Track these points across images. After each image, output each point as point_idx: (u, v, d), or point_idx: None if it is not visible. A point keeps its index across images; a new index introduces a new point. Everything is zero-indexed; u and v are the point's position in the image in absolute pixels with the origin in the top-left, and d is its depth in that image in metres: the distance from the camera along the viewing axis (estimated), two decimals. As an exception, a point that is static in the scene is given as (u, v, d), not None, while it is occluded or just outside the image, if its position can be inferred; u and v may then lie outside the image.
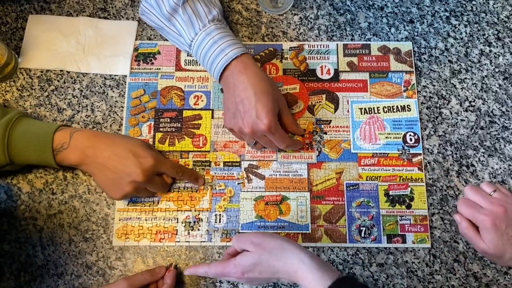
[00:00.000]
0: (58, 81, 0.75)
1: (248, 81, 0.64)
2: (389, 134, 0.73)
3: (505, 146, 0.72)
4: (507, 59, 0.77)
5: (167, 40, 0.77)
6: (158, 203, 0.69)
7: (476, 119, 0.74)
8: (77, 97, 0.75)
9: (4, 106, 0.73)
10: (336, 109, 0.74)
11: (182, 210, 0.69)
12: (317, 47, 0.77)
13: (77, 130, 0.65)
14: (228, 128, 0.69)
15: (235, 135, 0.70)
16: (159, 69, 0.76)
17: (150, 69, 0.76)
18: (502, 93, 0.75)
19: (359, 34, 0.78)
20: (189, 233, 0.68)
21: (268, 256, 0.56)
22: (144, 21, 0.75)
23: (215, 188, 0.70)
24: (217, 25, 0.68)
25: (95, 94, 0.75)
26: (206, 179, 0.71)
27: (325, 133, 0.73)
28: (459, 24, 0.79)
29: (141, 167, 0.63)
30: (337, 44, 0.77)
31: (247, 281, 0.60)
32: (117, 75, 0.76)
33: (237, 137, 0.71)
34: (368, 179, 0.71)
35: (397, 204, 0.69)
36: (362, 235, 0.68)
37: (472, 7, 0.80)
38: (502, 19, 0.79)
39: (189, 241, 0.68)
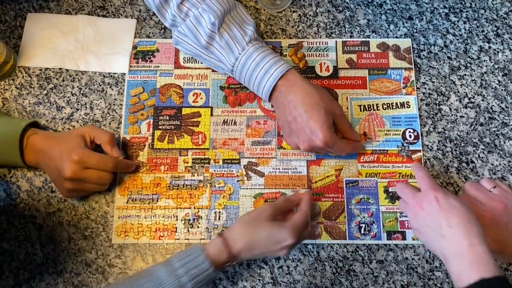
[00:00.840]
0: (57, 79, 0.75)
1: (297, 98, 0.64)
2: (388, 131, 0.73)
3: (504, 142, 0.72)
4: (507, 56, 0.77)
5: (166, 38, 0.77)
6: (157, 200, 0.69)
7: (476, 116, 0.74)
8: (76, 95, 0.75)
9: (3, 105, 0.73)
10: (335, 106, 0.74)
11: (181, 208, 0.69)
12: (316, 44, 0.77)
13: (33, 132, 0.67)
14: (288, 143, 0.70)
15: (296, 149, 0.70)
16: (158, 66, 0.76)
17: (149, 67, 0.76)
18: (502, 90, 0.75)
19: (358, 31, 0.78)
20: (188, 230, 0.68)
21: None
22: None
23: (215, 186, 0.70)
24: (256, 45, 0.67)
25: (94, 92, 0.75)
26: (205, 176, 0.70)
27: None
28: (458, 21, 0.79)
29: (68, 163, 0.63)
30: (336, 41, 0.77)
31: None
32: (116, 73, 0.76)
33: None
34: (367, 176, 0.70)
35: (396, 200, 0.69)
36: (362, 232, 0.68)
37: (471, 3, 0.80)
38: (501, 15, 0.79)
39: (188, 239, 0.68)
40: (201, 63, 0.75)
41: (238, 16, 0.69)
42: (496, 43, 0.77)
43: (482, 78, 0.76)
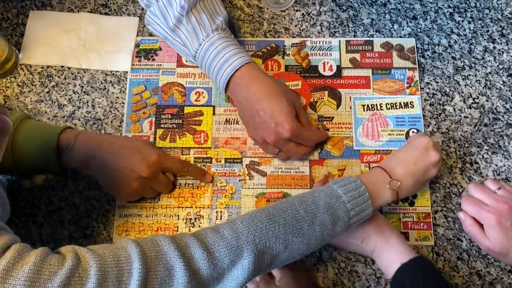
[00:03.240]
0: (58, 77, 0.75)
1: (258, 91, 0.64)
2: (392, 131, 0.72)
3: (509, 143, 0.72)
4: (511, 56, 0.76)
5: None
6: (159, 199, 0.69)
7: (480, 116, 0.73)
8: (77, 93, 0.74)
9: (5, 103, 0.73)
10: (338, 106, 0.74)
11: (183, 207, 0.69)
12: (320, 43, 0.77)
13: (81, 132, 0.65)
14: (252, 138, 0.69)
15: (259, 145, 0.70)
16: (160, 65, 0.76)
17: (151, 65, 0.76)
18: (506, 90, 0.74)
19: (361, 31, 0.78)
20: (190, 230, 0.68)
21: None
22: (151, 31, 0.73)
23: (216, 185, 0.70)
24: (221, 34, 0.66)
25: (96, 90, 0.74)
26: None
27: (328, 129, 0.72)
28: (462, 21, 0.78)
29: (146, 163, 0.62)
30: (339, 41, 0.77)
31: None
32: (118, 71, 0.75)
33: (262, 148, 0.70)
34: (370, 176, 0.70)
35: (399, 201, 0.69)
36: (365, 232, 0.67)
37: (475, 3, 0.79)
38: (506, 15, 0.79)
39: (190, 238, 0.67)
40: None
41: (211, 5, 0.68)
42: (501, 43, 0.77)
43: (487, 78, 0.75)
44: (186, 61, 0.76)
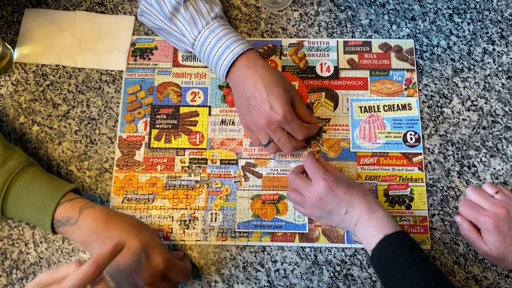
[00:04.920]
0: (53, 76, 0.74)
1: (257, 74, 0.64)
2: (389, 133, 0.71)
3: (507, 146, 0.71)
4: (511, 58, 0.75)
5: (164, 36, 0.76)
6: (153, 200, 0.68)
7: (478, 119, 0.72)
8: (72, 92, 0.73)
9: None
10: (335, 107, 0.73)
11: (177, 208, 0.68)
12: (317, 44, 0.76)
13: (88, 205, 0.58)
14: (245, 125, 0.68)
15: (250, 135, 0.68)
16: (156, 64, 0.75)
17: (147, 64, 0.75)
18: (505, 93, 0.74)
19: (360, 31, 0.77)
20: (184, 231, 0.67)
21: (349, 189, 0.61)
22: (143, 22, 0.72)
23: (211, 186, 0.69)
24: (220, 22, 0.67)
25: (91, 89, 0.74)
26: (202, 177, 0.69)
27: (324, 131, 0.72)
28: (462, 22, 0.78)
29: (149, 271, 0.55)
30: (337, 41, 0.76)
31: (318, 209, 0.62)
32: (113, 71, 0.75)
33: (252, 139, 0.69)
34: (367, 178, 0.69)
35: (396, 204, 0.68)
36: (361, 235, 0.67)
37: (475, 4, 0.79)
38: (506, 17, 0.78)
39: (184, 240, 0.67)
40: (199, 61, 0.74)
41: None
42: (501, 45, 0.76)
43: (486, 80, 0.74)
44: (182, 60, 0.75)
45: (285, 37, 0.77)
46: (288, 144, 0.65)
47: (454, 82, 0.74)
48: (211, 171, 0.70)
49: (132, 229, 0.58)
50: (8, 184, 0.57)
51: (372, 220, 0.60)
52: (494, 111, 0.73)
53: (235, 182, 0.69)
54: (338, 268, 0.66)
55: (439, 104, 0.73)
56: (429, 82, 0.74)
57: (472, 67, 0.75)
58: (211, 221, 0.67)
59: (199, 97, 0.73)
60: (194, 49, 0.68)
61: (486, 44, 0.76)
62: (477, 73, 0.75)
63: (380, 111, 0.72)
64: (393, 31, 0.77)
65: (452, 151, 0.71)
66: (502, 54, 0.76)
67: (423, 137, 0.71)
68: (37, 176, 0.60)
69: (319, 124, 0.71)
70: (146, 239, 0.57)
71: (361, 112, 0.72)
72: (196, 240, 0.67)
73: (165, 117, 0.72)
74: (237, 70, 0.65)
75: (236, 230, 0.67)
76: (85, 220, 0.57)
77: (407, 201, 0.68)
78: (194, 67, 0.75)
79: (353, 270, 0.65)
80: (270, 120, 0.63)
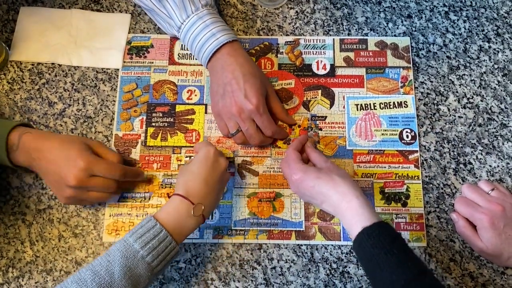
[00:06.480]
0: (49, 74, 0.74)
1: (237, 62, 0.65)
2: (385, 130, 0.71)
3: (503, 144, 0.71)
4: (507, 56, 0.75)
5: (160, 34, 0.76)
6: (149, 199, 0.68)
7: (474, 116, 0.72)
8: (68, 90, 0.73)
9: (-6, 99, 0.72)
10: (331, 105, 0.73)
11: (173, 206, 0.68)
12: (313, 41, 0.76)
13: (26, 131, 0.62)
14: (215, 112, 0.68)
15: (219, 123, 0.68)
16: (152, 62, 0.75)
17: (143, 62, 0.75)
18: (501, 90, 0.74)
19: (356, 29, 0.77)
20: (180, 229, 0.67)
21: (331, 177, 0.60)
22: (134, 1, 0.73)
23: (208, 184, 0.69)
24: (210, 10, 0.68)
25: (87, 87, 0.74)
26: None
27: (320, 129, 0.72)
28: (458, 20, 0.78)
29: (72, 171, 0.60)
30: (333, 39, 0.76)
31: (302, 186, 0.61)
32: (109, 69, 0.74)
33: (220, 128, 0.69)
34: (363, 176, 0.69)
35: (392, 201, 0.68)
36: (357, 233, 0.67)
37: (471, 2, 0.79)
38: (502, 14, 0.78)
39: (180, 238, 0.67)
40: (195, 59, 0.74)
41: None
42: (496, 43, 0.76)
43: (482, 78, 0.74)
44: (178, 58, 0.75)
45: (281, 35, 0.77)
46: (255, 135, 0.66)
47: (450, 79, 0.74)
48: (208, 169, 0.69)
49: (62, 145, 0.62)
50: None
51: (349, 210, 0.57)
52: (490, 109, 0.73)
53: (231, 180, 0.69)
54: (334, 266, 0.66)
55: (435, 102, 0.73)
56: (425, 80, 0.74)
57: (468, 64, 0.75)
58: (207, 219, 0.67)
59: (195, 95, 0.73)
60: (180, 33, 0.69)
61: (482, 41, 0.76)
62: (473, 71, 0.75)
63: (376, 109, 0.72)
64: (389, 29, 0.77)
65: (448, 148, 0.71)
66: (498, 52, 0.76)
67: (419, 135, 0.71)
68: None
69: (293, 123, 0.71)
70: (70, 147, 0.62)
71: (357, 109, 0.72)
72: (192, 238, 0.67)
73: (161, 115, 0.72)
74: (220, 57, 0.66)
75: (233, 228, 0.67)
76: (24, 143, 0.61)
77: (403, 199, 0.68)
78: (190, 65, 0.75)
79: (349, 267, 0.65)
80: (242, 108, 0.64)
